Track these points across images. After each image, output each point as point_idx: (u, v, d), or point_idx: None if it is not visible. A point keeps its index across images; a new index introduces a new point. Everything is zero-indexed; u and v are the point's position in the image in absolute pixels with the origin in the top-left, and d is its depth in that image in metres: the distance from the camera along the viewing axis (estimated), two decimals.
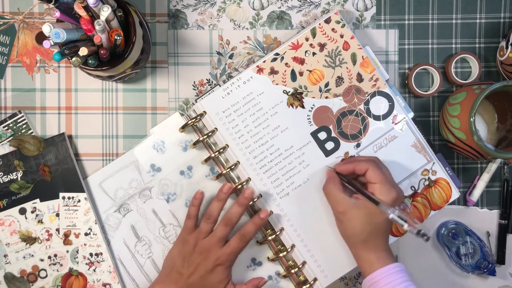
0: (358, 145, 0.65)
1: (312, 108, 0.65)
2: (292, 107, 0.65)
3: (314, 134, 0.65)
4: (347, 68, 0.65)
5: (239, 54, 0.68)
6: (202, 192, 0.64)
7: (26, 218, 0.65)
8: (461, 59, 0.69)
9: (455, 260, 0.69)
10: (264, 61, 0.65)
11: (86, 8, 0.52)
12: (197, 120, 0.64)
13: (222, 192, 0.63)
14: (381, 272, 0.56)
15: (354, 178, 0.62)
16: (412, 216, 0.59)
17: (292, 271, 0.64)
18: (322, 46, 0.65)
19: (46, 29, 0.50)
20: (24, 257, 0.66)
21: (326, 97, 0.65)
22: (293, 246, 0.65)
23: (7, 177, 0.65)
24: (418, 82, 0.70)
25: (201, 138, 0.64)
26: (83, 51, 0.52)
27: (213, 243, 0.61)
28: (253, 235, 0.63)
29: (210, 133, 0.64)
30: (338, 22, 0.65)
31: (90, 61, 0.55)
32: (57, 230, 0.66)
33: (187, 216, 0.64)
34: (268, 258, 0.66)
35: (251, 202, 0.63)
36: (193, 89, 0.68)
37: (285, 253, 0.64)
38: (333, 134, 0.65)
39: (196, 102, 0.67)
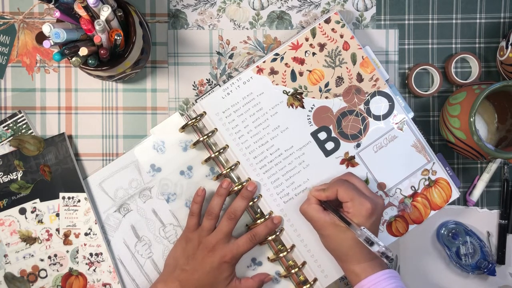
0: (358, 145, 0.65)
1: (312, 108, 0.65)
2: (292, 107, 0.65)
3: (314, 134, 0.65)
4: (347, 68, 0.65)
5: (239, 54, 0.68)
6: (203, 189, 0.64)
7: (26, 218, 0.65)
8: (461, 59, 0.69)
9: (455, 260, 0.69)
10: (264, 61, 0.65)
11: (86, 8, 0.52)
12: (197, 120, 0.64)
13: (222, 188, 0.63)
14: (369, 281, 0.56)
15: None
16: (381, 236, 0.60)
17: (292, 271, 0.64)
18: (322, 46, 0.65)
19: (46, 29, 0.50)
20: (24, 257, 0.66)
21: (326, 97, 0.65)
22: (293, 246, 0.65)
23: (7, 177, 0.65)
24: (418, 82, 0.69)
25: (201, 138, 0.64)
26: (83, 51, 0.52)
27: (218, 239, 0.61)
28: (263, 238, 0.63)
29: (210, 133, 0.64)
30: (338, 22, 0.65)
31: (90, 61, 0.55)
32: (57, 230, 0.66)
33: (189, 214, 0.64)
34: (268, 258, 0.66)
35: (252, 202, 0.63)
36: (193, 89, 0.68)
37: (285, 253, 0.64)
38: (333, 134, 0.65)
39: (196, 102, 0.67)
